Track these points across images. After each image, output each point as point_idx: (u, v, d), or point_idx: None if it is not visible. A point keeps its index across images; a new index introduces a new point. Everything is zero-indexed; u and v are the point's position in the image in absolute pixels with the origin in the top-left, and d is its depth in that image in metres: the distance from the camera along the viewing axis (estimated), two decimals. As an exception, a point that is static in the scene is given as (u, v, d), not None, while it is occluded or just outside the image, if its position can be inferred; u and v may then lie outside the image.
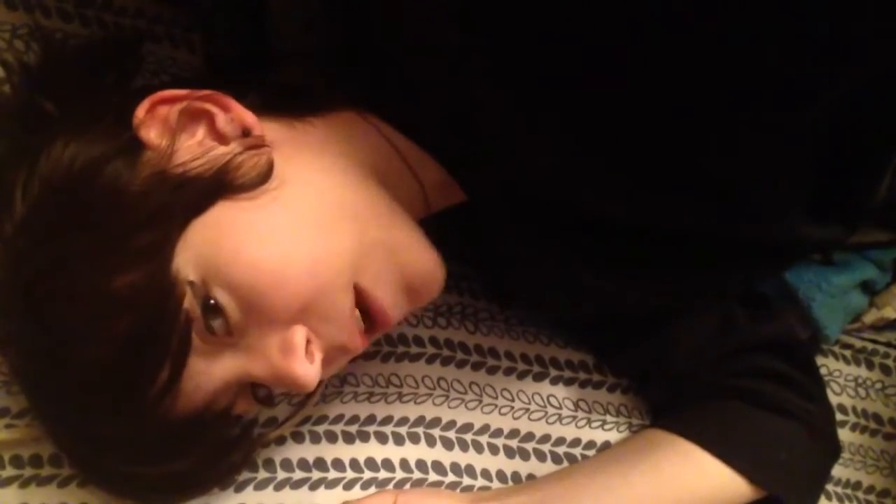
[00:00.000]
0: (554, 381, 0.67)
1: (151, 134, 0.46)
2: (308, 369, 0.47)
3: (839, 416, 0.72)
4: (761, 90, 0.42)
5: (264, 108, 0.50)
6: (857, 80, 0.43)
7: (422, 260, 0.50)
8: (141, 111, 0.46)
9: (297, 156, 0.49)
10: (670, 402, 0.65)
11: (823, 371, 0.72)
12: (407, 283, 0.50)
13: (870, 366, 0.74)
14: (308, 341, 0.47)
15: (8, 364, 0.50)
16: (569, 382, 0.67)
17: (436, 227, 0.60)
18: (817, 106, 0.44)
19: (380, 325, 0.50)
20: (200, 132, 0.48)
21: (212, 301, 0.44)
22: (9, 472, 0.55)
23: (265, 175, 0.46)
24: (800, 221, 0.52)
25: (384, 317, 0.49)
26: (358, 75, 0.51)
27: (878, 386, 0.74)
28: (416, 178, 0.54)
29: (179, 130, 0.47)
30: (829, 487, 0.69)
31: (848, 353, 0.75)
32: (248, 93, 0.50)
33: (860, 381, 0.74)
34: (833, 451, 0.64)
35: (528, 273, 0.61)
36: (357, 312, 0.49)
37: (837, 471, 0.70)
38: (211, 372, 0.46)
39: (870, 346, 0.75)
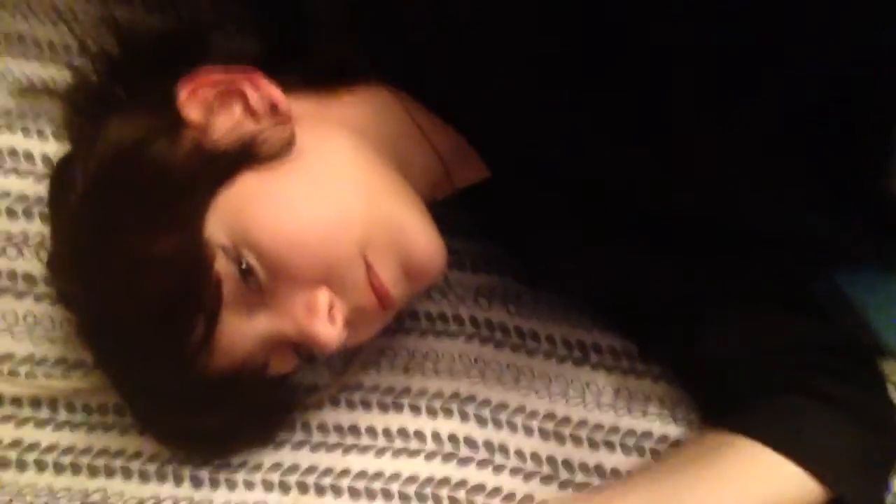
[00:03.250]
0: (595, 368, 0.68)
1: (192, 113, 0.52)
2: (329, 329, 0.51)
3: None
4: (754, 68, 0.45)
5: (299, 83, 0.55)
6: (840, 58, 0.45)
7: (425, 242, 0.53)
8: (184, 92, 0.52)
9: (320, 128, 0.54)
10: (716, 396, 0.63)
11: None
12: (407, 263, 0.53)
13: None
14: (332, 306, 0.51)
15: (75, 320, 0.57)
16: (610, 370, 0.68)
17: (467, 204, 0.63)
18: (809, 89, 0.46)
19: (382, 301, 0.53)
20: (237, 110, 0.53)
21: (242, 263, 0.49)
22: (80, 417, 0.62)
23: (287, 147, 0.51)
24: (812, 215, 0.52)
25: (385, 293, 0.52)
26: (387, 49, 0.55)
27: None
28: (437, 154, 0.57)
29: (217, 109, 0.53)
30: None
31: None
32: (287, 71, 0.55)
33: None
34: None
35: (553, 251, 0.63)
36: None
37: None
38: (245, 329, 0.52)
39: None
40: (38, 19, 0.68)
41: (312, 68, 0.57)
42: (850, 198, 0.51)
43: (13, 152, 0.66)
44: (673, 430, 0.66)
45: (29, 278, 0.64)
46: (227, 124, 0.52)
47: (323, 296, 0.51)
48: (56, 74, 0.66)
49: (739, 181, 0.52)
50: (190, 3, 0.62)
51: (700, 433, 0.65)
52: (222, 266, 0.50)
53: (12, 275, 0.64)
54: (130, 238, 0.50)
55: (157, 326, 0.50)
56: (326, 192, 0.51)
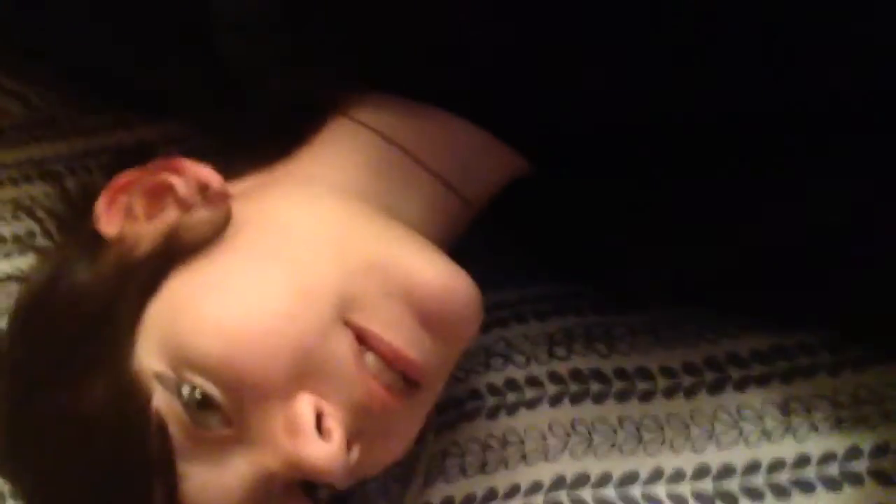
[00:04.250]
0: (741, 386, 0.48)
1: (109, 227, 0.42)
2: (323, 449, 0.37)
3: None
4: None
5: (252, 164, 0.46)
6: None
7: (430, 273, 0.40)
8: (99, 206, 0.43)
9: (266, 195, 0.43)
10: None
11: None
12: (418, 308, 0.39)
13: None
14: (321, 414, 0.37)
15: None
16: (763, 381, 0.47)
17: (512, 239, 0.49)
18: None
19: (404, 370, 0.39)
20: (169, 208, 0.43)
21: (188, 389, 0.37)
22: None
23: (219, 227, 0.41)
24: None
25: (401, 359, 0.38)
26: (352, 59, 0.44)
27: None
28: (429, 170, 0.45)
29: (143, 215, 0.43)
30: None
31: None
32: (235, 153, 0.46)
33: None
34: None
35: (638, 240, 0.48)
36: (370, 356, 0.39)
37: None
38: (223, 481, 0.38)
39: None
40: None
41: (261, 137, 0.47)
42: None
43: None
44: (890, 433, 0.44)
45: None
46: (158, 227, 0.42)
47: (304, 404, 0.37)
48: (23, 263, 0.60)
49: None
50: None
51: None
52: (163, 402, 0.37)
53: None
54: (52, 399, 0.39)
55: (111, 500, 0.38)
56: (276, 262, 0.40)
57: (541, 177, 0.46)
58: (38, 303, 0.42)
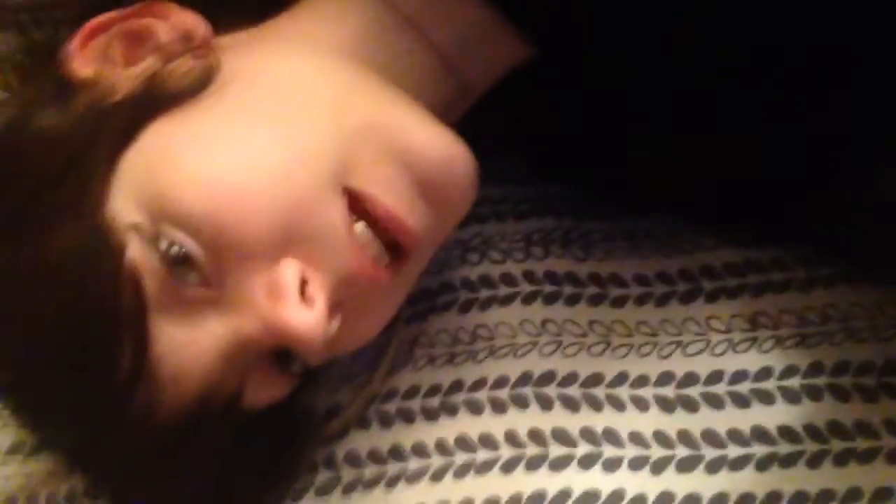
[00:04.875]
0: (712, 297, 0.48)
1: (82, 69, 0.40)
2: (303, 315, 0.36)
3: None
4: None
5: (238, 20, 0.44)
6: None
7: (429, 141, 0.39)
8: (70, 47, 0.41)
9: (256, 50, 0.42)
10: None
11: None
12: (417, 175, 0.39)
13: None
14: (304, 280, 0.37)
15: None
16: (735, 292, 0.48)
17: (500, 135, 0.48)
18: None
19: (397, 236, 0.39)
20: (151, 56, 0.40)
21: (166, 242, 0.36)
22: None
23: (205, 78, 0.39)
24: None
25: (397, 223, 0.38)
26: None
27: None
28: (435, 51, 0.44)
29: (119, 58, 0.41)
30: None
31: None
32: (223, 7, 0.44)
33: None
34: None
35: (630, 143, 0.47)
36: (360, 226, 0.38)
37: None
38: (192, 339, 0.37)
39: None
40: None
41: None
42: None
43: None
44: (856, 352, 0.45)
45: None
46: (133, 72, 0.40)
47: (289, 269, 0.37)
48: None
49: None
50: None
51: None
52: (138, 253, 0.36)
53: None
54: (16, 244, 0.37)
55: (76, 356, 0.36)
56: (269, 119, 0.38)
57: (543, 67, 0.45)
58: (2, 147, 0.40)
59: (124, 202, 0.37)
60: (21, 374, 0.39)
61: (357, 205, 0.38)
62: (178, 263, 0.36)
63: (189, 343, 0.37)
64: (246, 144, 0.37)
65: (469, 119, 0.47)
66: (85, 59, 0.41)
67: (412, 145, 0.38)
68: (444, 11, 0.43)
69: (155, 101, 0.38)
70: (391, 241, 0.39)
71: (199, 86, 0.39)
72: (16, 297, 0.37)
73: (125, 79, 0.40)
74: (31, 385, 0.39)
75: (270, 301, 0.36)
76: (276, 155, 0.37)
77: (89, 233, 0.36)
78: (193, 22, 0.41)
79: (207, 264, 0.36)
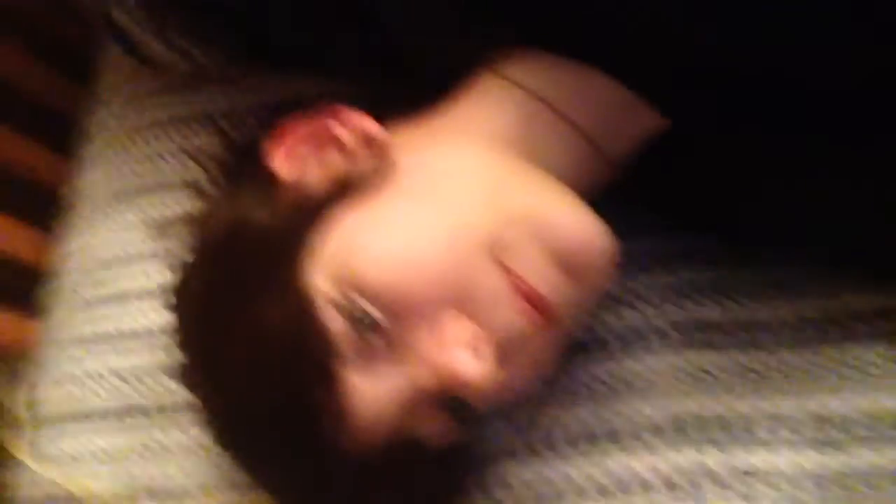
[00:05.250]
0: (860, 338, 0.50)
1: (284, 171, 0.47)
2: (473, 365, 0.42)
3: None
4: None
5: (404, 115, 0.50)
6: None
7: (571, 225, 0.44)
8: (274, 153, 0.48)
9: (425, 145, 0.48)
10: None
11: None
12: (559, 256, 0.43)
13: None
14: (474, 335, 0.43)
15: (209, 425, 0.51)
16: (881, 335, 0.50)
17: (645, 187, 0.52)
18: None
19: (539, 307, 0.43)
20: (334, 155, 0.48)
21: (355, 310, 0.42)
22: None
23: (384, 172, 0.45)
24: None
25: (537, 297, 0.43)
26: (509, 16, 0.48)
27: None
28: (576, 128, 0.48)
29: (312, 161, 0.48)
30: None
31: None
32: (391, 110, 0.51)
33: None
34: None
35: (769, 197, 0.49)
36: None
37: None
38: (377, 391, 0.43)
39: None
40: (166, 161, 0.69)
41: (413, 90, 0.51)
42: None
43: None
44: None
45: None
46: (323, 171, 0.47)
47: (458, 324, 0.42)
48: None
49: None
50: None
51: None
52: (332, 319, 0.43)
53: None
54: (240, 319, 0.45)
55: (285, 408, 0.44)
56: (435, 204, 0.44)
57: (673, 134, 0.49)
58: (225, 246, 0.47)
59: (318, 275, 0.43)
60: (239, 423, 0.46)
61: (506, 272, 0.43)
62: (366, 329, 0.42)
63: (374, 392, 0.43)
64: (416, 224, 0.43)
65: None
66: (284, 163, 0.48)
67: (558, 230, 0.43)
68: (586, 97, 0.48)
69: (340, 193, 0.45)
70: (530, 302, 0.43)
71: (377, 179, 0.45)
72: (237, 354, 0.45)
73: (318, 175, 0.47)
74: (250, 432, 0.46)
75: (443, 352, 0.42)
76: (440, 229, 0.43)
77: (296, 305, 0.43)
78: (370, 126, 0.47)
79: (386, 323, 0.42)
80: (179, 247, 0.58)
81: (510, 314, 0.43)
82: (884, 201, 0.47)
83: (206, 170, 0.56)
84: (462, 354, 0.41)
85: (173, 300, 0.54)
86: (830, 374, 0.49)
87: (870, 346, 0.49)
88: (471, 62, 0.50)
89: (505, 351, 0.43)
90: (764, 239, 0.52)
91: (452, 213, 0.43)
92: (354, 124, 0.48)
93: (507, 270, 0.43)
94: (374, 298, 0.42)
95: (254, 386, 0.44)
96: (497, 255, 0.43)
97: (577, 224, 0.43)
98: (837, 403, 0.48)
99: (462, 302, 0.42)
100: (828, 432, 0.47)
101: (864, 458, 0.46)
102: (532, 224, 0.43)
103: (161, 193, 0.68)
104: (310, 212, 0.45)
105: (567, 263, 0.43)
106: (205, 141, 0.68)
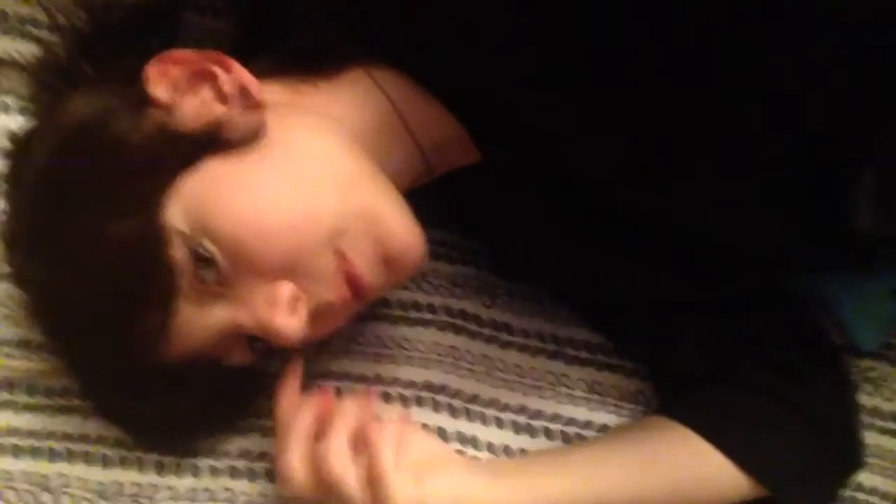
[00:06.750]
0: (569, 362, 0.68)
1: (159, 92, 0.51)
2: (290, 322, 0.50)
3: (891, 425, 0.68)
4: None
5: (274, 71, 0.55)
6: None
7: (401, 232, 0.53)
8: (150, 69, 0.51)
9: (294, 118, 0.53)
10: (678, 393, 0.65)
11: (874, 375, 0.69)
12: (385, 253, 0.53)
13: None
14: (296, 298, 0.51)
15: (26, 299, 0.56)
16: (585, 363, 0.68)
17: (445, 195, 0.63)
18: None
19: (357, 290, 0.53)
20: (205, 92, 0.52)
21: (201, 251, 0.49)
22: (42, 400, 0.62)
23: (256, 134, 0.51)
24: (785, 235, 0.56)
25: (361, 281, 0.52)
26: (387, 34, 0.55)
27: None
28: (415, 141, 0.57)
29: (185, 89, 0.52)
30: (866, 497, 0.65)
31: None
32: (261, 56, 0.55)
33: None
34: (850, 456, 0.62)
35: (531, 245, 0.63)
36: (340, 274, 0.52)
37: (880, 483, 0.66)
38: (202, 319, 0.51)
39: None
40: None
41: (291, 55, 0.56)
42: (821, 227, 0.54)
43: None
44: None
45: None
46: (195, 106, 0.51)
47: (286, 288, 0.50)
48: (23, 48, 0.65)
49: (716, 197, 0.54)
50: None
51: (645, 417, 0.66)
52: (178, 253, 0.49)
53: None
54: (86, 216, 0.49)
55: (110, 310, 0.50)
56: (296, 183, 0.51)
57: (482, 169, 0.59)
58: (84, 137, 0.50)
59: (176, 213, 0.49)
60: (75, 314, 0.51)
61: (339, 258, 0.52)
62: (204, 264, 0.49)
63: (198, 320, 0.51)
64: (275, 197, 0.50)
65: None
66: (159, 83, 0.51)
67: (389, 230, 0.52)
68: (432, 123, 0.56)
69: (216, 143, 0.50)
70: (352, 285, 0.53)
71: (249, 139, 0.51)
72: (85, 262, 0.49)
73: (192, 113, 0.51)
74: (79, 321, 0.51)
75: (267, 307, 0.51)
76: (295, 210, 0.50)
77: (148, 228, 0.48)
78: (251, 82, 0.52)
79: (226, 269, 0.50)
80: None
81: (330, 290, 0.52)
82: (607, 278, 0.62)
83: (65, 41, 0.57)
84: (283, 312, 0.50)
85: (12, 162, 0.56)
86: (542, 381, 0.67)
87: (573, 366, 0.68)
88: (351, 55, 0.56)
89: (315, 313, 0.52)
90: (521, 276, 0.67)
91: (309, 197, 0.50)
92: (236, 75, 0.52)
93: (340, 255, 0.51)
94: (222, 247, 0.49)
95: (84, 283, 0.49)
96: (334, 241, 0.51)
97: (405, 230, 0.53)
98: (539, 403, 0.66)
99: (293, 272, 0.50)
100: (530, 422, 0.66)
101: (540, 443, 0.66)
102: (370, 222, 0.52)
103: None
104: (178, 145, 0.50)
105: (390, 259, 0.53)
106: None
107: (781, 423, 0.60)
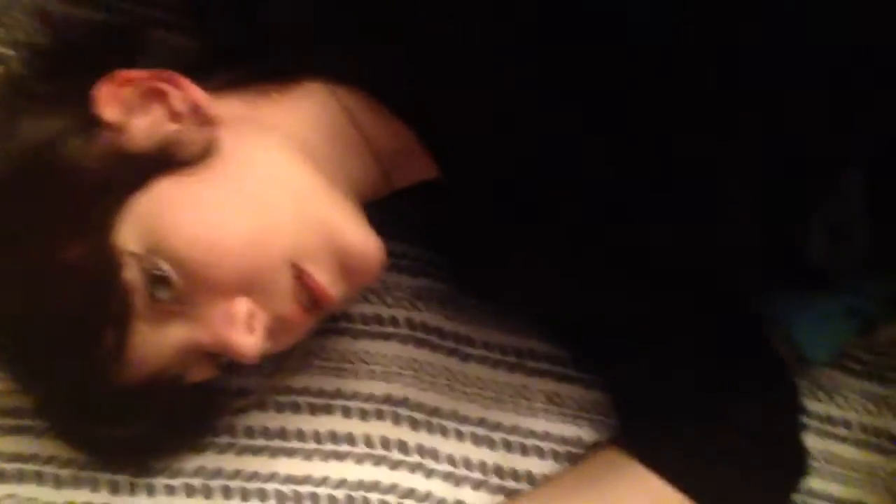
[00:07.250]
0: (529, 373, 0.69)
1: (109, 113, 0.50)
2: (247, 340, 0.50)
3: (842, 431, 0.69)
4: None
5: (232, 84, 0.55)
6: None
7: (358, 242, 0.53)
8: (99, 90, 0.51)
9: (247, 131, 0.53)
10: (630, 413, 0.66)
11: (828, 383, 0.70)
12: (343, 264, 0.52)
13: (882, 381, 0.71)
14: (252, 315, 0.51)
15: None
16: (544, 375, 0.68)
17: (408, 208, 0.63)
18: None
19: (320, 301, 0.52)
20: (157, 111, 0.52)
21: (155, 271, 0.48)
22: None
23: (209, 151, 0.50)
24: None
25: (322, 293, 0.52)
26: (345, 47, 0.55)
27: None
28: (372, 153, 0.57)
29: (136, 109, 0.51)
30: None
31: (858, 367, 0.72)
32: (216, 73, 0.55)
33: (870, 396, 0.71)
34: (795, 464, 0.63)
35: (492, 261, 0.63)
36: (298, 288, 0.52)
37: (835, 489, 0.67)
38: (160, 339, 0.51)
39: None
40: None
41: (245, 69, 0.56)
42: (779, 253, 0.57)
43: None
44: (604, 438, 0.67)
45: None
46: (146, 126, 0.51)
47: (242, 305, 0.50)
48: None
49: (682, 221, 0.55)
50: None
51: (600, 451, 0.66)
52: (132, 275, 0.48)
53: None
54: (36, 242, 0.49)
55: (65, 333, 0.49)
56: (250, 199, 0.50)
57: (443, 185, 0.59)
58: (33, 161, 0.49)
59: (128, 234, 0.48)
60: (29, 337, 0.50)
61: (297, 273, 0.52)
62: (158, 283, 0.49)
63: (155, 339, 0.50)
64: (231, 217, 0.49)
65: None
66: (110, 103, 0.51)
67: (346, 243, 0.52)
68: (391, 138, 0.56)
69: (167, 162, 0.50)
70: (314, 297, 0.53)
71: (202, 156, 0.50)
72: (37, 286, 0.49)
73: (142, 131, 0.50)
74: (34, 344, 0.50)
75: (224, 325, 0.50)
76: (250, 228, 0.50)
77: (100, 251, 0.48)
78: (201, 98, 0.51)
79: (181, 288, 0.49)
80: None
81: (287, 305, 0.52)
82: (563, 298, 0.63)
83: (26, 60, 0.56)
84: (240, 329, 0.50)
85: None
86: (503, 393, 0.67)
87: (532, 377, 0.68)
88: (308, 68, 0.56)
89: (273, 328, 0.52)
90: (481, 292, 0.68)
91: (264, 213, 0.50)
92: (187, 92, 0.52)
93: (299, 270, 0.51)
94: (177, 266, 0.48)
95: (38, 307, 0.48)
96: (292, 257, 0.51)
97: (362, 240, 0.53)
98: (499, 415, 0.66)
99: (251, 287, 0.50)
100: (489, 434, 0.66)
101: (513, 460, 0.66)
102: (327, 235, 0.52)
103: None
104: (128, 166, 0.49)
105: (349, 269, 0.53)
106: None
107: (730, 450, 0.61)
